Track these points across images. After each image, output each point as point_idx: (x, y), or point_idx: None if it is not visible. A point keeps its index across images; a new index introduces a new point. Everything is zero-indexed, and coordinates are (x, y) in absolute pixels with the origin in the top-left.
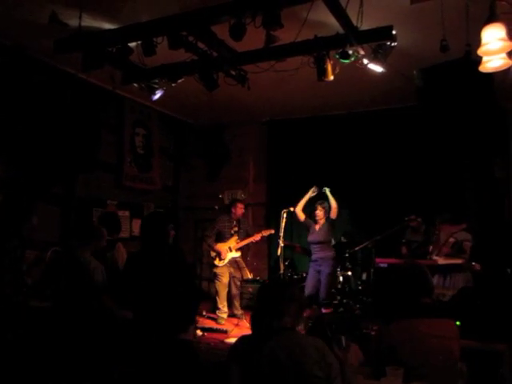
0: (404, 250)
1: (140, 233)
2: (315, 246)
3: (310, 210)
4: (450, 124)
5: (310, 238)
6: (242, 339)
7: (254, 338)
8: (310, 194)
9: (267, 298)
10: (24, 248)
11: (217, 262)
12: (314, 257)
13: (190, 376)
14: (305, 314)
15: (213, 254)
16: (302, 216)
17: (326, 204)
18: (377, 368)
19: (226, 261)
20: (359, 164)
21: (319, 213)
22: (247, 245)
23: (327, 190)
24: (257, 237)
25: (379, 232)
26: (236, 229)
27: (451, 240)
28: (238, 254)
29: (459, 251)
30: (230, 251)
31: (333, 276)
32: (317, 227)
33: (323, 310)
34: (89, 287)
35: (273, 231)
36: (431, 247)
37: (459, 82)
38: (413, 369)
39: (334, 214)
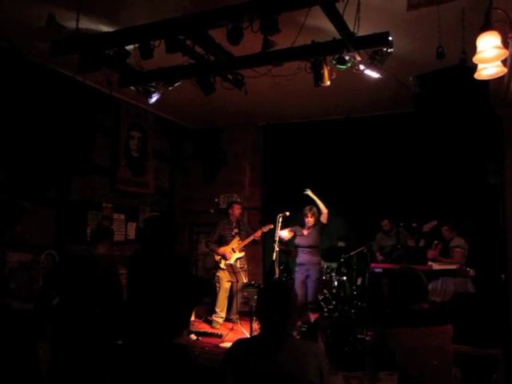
0: (379, 255)
1: (142, 233)
2: (303, 250)
3: (297, 217)
4: (446, 130)
5: (299, 241)
6: (238, 343)
7: (255, 343)
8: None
9: (275, 302)
10: (4, 252)
11: (222, 264)
12: (300, 260)
13: (185, 381)
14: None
15: (217, 257)
16: (289, 234)
17: (315, 209)
18: (372, 373)
19: (232, 261)
20: (355, 169)
21: (310, 219)
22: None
23: (315, 198)
24: (258, 233)
25: (374, 236)
26: (236, 230)
27: (435, 242)
28: (242, 254)
29: (444, 254)
30: (233, 252)
31: (320, 280)
32: (305, 231)
33: (311, 315)
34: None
35: (272, 226)
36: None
37: (455, 88)
38: (408, 375)
39: (324, 219)
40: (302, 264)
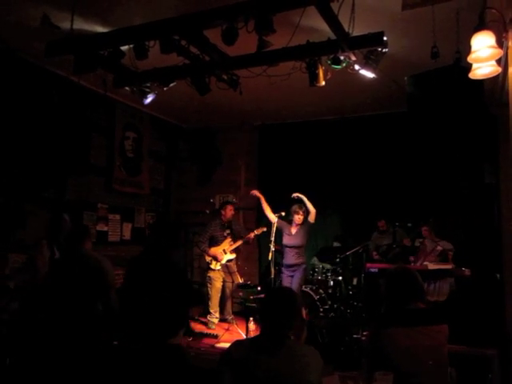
0: (375, 254)
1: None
2: (291, 250)
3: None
4: (441, 130)
5: (287, 241)
6: (236, 344)
7: (255, 343)
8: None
9: (282, 304)
10: (6, 254)
11: (213, 265)
12: (287, 261)
13: (180, 381)
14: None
15: (208, 258)
16: (273, 218)
17: (304, 207)
18: (367, 373)
19: (224, 262)
20: (350, 169)
21: (301, 217)
22: (238, 248)
23: (304, 198)
24: (250, 236)
25: (370, 236)
26: (228, 231)
27: (439, 248)
28: (233, 256)
29: (444, 260)
30: (225, 253)
31: (303, 280)
32: (293, 230)
33: None
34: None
35: (265, 229)
36: (417, 254)
37: (449, 88)
38: (403, 375)
39: (312, 219)
40: (288, 265)
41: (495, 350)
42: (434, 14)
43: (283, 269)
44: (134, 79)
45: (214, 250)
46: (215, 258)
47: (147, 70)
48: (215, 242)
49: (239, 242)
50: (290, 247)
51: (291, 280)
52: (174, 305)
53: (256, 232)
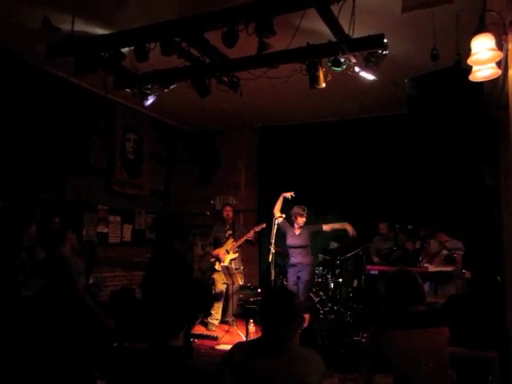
0: (376, 258)
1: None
2: (295, 250)
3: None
4: (441, 132)
5: (290, 241)
6: (238, 346)
7: (257, 346)
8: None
9: (281, 305)
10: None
11: (217, 266)
12: (293, 261)
13: (180, 383)
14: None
15: (212, 259)
16: (279, 217)
17: (307, 210)
18: (367, 375)
19: (226, 262)
20: (350, 171)
21: (304, 220)
22: (241, 247)
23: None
24: (250, 233)
25: (370, 239)
26: (230, 232)
27: (444, 252)
28: (236, 255)
29: (451, 262)
30: (227, 253)
31: (311, 282)
32: (296, 231)
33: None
34: (65, 278)
35: (264, 225)
36: (420, 256)
37: (449, 90)
38: (403, 377)
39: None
40: (293, 265)
41: (495, 352)
42: (434, 16)
43: (289, 269)
44: (134, 81)
45: (217, 251)
46: (218, 259)
47: (148, 71)
48: (219, 243)
49: (241, 241)
50: (294, 248)
51: (297, 280)
52: (176, 306)
53: (256, 229)
